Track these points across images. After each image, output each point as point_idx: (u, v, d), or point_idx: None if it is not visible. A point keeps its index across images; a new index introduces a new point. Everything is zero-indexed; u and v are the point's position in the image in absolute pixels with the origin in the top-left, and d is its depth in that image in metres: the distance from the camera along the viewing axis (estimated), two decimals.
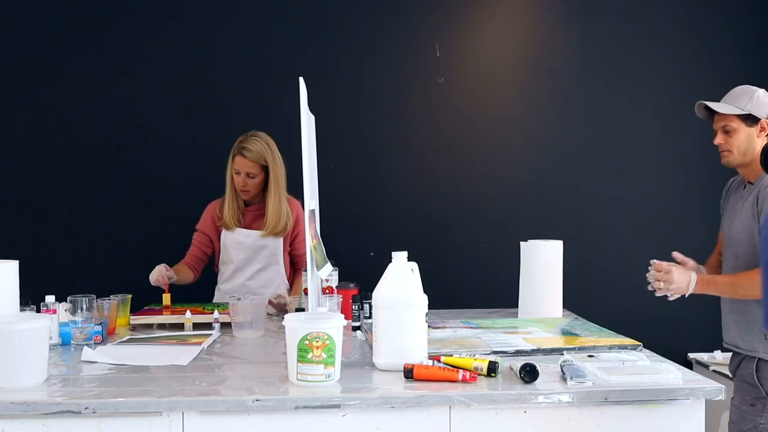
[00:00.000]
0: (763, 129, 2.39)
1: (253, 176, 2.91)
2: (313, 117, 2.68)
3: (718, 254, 2.59)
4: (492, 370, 1.85)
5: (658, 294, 2.36)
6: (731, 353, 2.45)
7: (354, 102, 3.50)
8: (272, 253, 2.98)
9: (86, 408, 1.68)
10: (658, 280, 2.34)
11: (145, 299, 2.83)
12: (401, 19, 3.51)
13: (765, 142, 2.36)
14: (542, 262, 2.72)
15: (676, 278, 2.31)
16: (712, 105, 2.44)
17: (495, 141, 3.55)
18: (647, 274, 2.37)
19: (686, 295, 2.35)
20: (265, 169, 2.91)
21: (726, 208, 2.54)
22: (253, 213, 3.00)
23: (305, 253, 3.00)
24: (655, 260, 2.38)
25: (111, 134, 3.44)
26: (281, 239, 2.97)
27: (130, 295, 2.67)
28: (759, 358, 2.30)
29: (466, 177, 3.54)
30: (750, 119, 2.39)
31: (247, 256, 2.96)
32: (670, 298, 2.36)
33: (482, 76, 3.56)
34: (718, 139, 2.45)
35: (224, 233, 2.99)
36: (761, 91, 2.42)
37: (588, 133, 3.56)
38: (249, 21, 3.46)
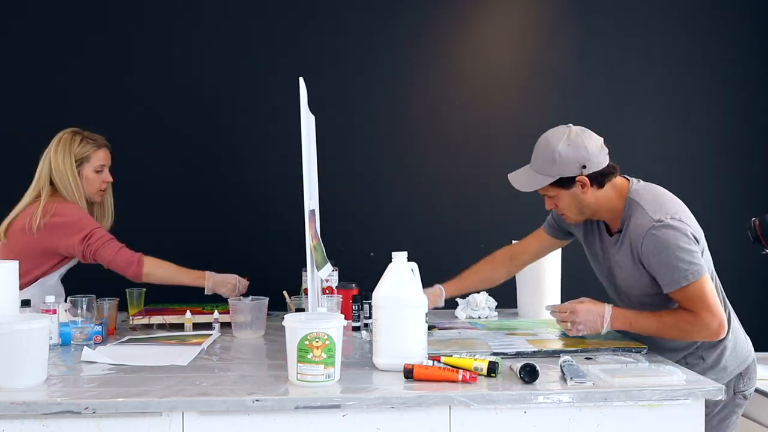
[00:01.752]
0: (584, 185, 2.08)
1: (109, 168, 2.72)
2: (313, 117, 2.68)
3: (523, 250, 2.50)
4: (492, 370, 1.85)
5: (572, 335, 2.17)
6: None
7: (354, 102, 3.50)
8: None
9: (86, 408, 1.68)
10: (564, 322, 2.15)
11: (145, 299, 2.82)
12: (401, 19, 3.51)
13: (594, 193, 2.10)
14: (540, 263, 2.73)
15: (582, 318, 2.11)
16: (515, 183, 2.18)
17: (495, 141, 3.55)
18: (553, 316, 2.21)
19: (602, 333, 2.13)
20: None
21: (593, 251, 2.29)
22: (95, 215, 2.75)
23: None
24: (552, 305, 2.23)
25: (110, 134, 3.43)
26: None
27: (144, 289, 2.69)
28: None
29: (466, 177, 3.54)
30: (564, 182, 2.08)
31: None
32: (574, 334, 2.16)
33: (482, 76, 3.55)
34: (548, 206, 2.19)
35: None
36: (562, 143, 2.06)
37: None
38: (249, 21, 3.46)
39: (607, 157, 2.12)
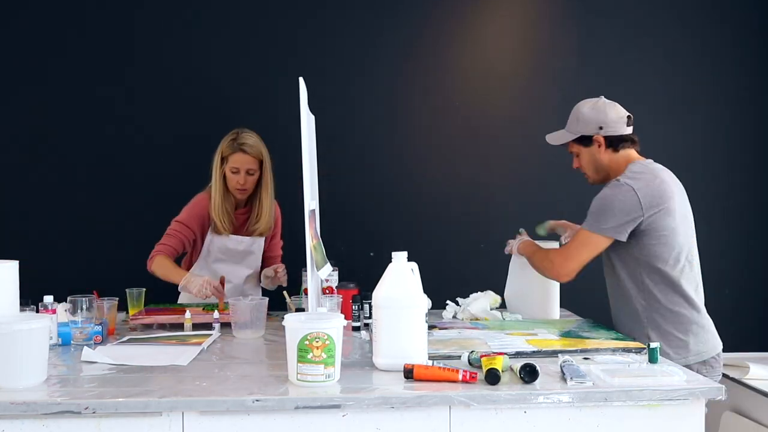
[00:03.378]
0: (599, 144, 2.41)
1: (252, 173, 2.83)
2: (313, 117, 2.68)
3: None
4: (492, 382, 1.82)
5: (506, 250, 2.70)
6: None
7: (354, 102, 3.50)
8: (256, 257, 2.95)
9: (86, 408, 1.68)
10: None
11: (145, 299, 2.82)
12: (401, 19, 3.51)
13: (609, 154, 2.41)
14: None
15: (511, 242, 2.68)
16: (548, 138, 2.51)
17: (495, 141, 3.55)
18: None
19: (511, 251, 2.67)
20: (260, 165, 2.84)
21: None
22: (242, 216, 2.92)
23: (277, 255, 3.01)
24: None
25: (110, 134, 3.44)
26: (263, 241, 2.94)
27: (145, 289, 2.69)
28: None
29: (466, 177, 3.54)
30: (584, 140, 2.42)
31: (235, 262, 2.91)
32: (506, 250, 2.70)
33: (482, 76, 3.56)
34: (574, 164, 2.51)
35: (212, 237, 2.86)
36: (587, 106, 2.42)
37: None
38: (249, 21, 3.46)
39: (628, 129, 2.42)
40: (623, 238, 2.29)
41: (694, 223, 2.44)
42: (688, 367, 2.14)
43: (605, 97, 2.48)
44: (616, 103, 2.44)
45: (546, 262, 2.44)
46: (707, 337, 2.35)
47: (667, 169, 2.43)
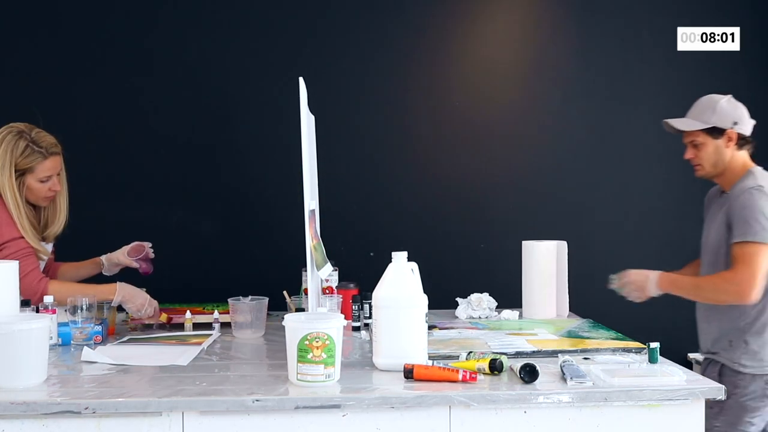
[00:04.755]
0: (730, 139, 2.41)
1: (59, 172, 2.48)
2: (313, 117, 2.68)
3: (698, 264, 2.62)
4: (494, 368, 1.85)
5: (631, 298, 2.47)
6: (704, 359, 2.52)
7: (354, 102, 3.50)
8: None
9: (86, 408, 1.68)
10: (620, 286, 2.48)
11: None
12: (401, 19, 3.51)
13: (733, 151, 2.41)
14: (544, 262, 2.72)
15: (633, 277, 2.43)
16: (675, 123, 2.47)
17: (495, 141, 3.55)
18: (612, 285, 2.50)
19: (651, 295, 2.43)
20: None
21: (707, 217, 2.58)
22: (37, 221, 2.51)
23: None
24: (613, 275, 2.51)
25: (111, 133, 3.43)
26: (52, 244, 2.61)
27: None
28: (722, 364, 2.38)
29: (466, 177, 3.54)
30: (715, 131, 2.41)
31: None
32: (636, 300, 2.47)
33: (482, 76, 3.55)
34: (688, 154, 2.48)
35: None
36: (724, 100, 2.43)
37: (588, 132, 3.56)
38: (249, 21, 3.46)
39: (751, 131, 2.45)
40: None
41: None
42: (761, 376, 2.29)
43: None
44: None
45: (726, 286, 2.28)
46: None
47: None
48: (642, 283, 2.42)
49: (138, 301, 2.48)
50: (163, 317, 2.58)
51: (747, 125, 2.42)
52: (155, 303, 2.54)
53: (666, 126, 2.52)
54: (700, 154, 2.44)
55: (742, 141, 2.42)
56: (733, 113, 2.40)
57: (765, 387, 2.32)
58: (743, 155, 2.44)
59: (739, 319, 2.35)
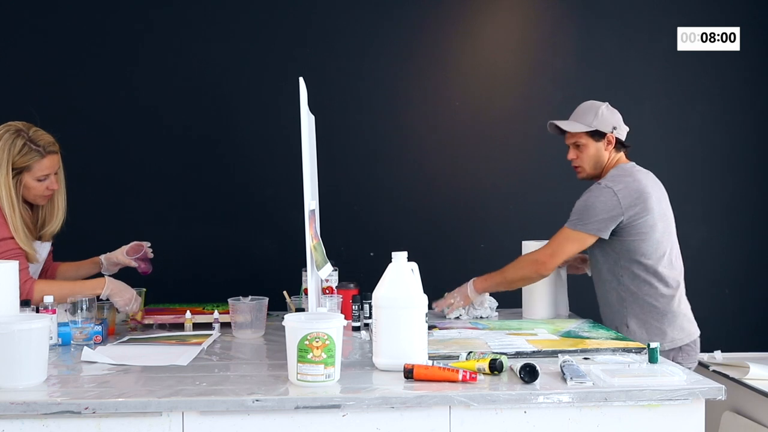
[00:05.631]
0: (609, 142, 2.61)
1: (56, 170, 2.48)
2: (313, 117, 2.68)
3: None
4: (494, 368, 1.85)
5: (448, 314, 2.71)
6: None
7: (354, 102, 3.50)
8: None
9: (86, 408, 1.68)
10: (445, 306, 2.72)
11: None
12: (401, 19, 3.51)
13: (611, 153, 2.62)
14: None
15: (455, 291, 2.71)
16: (561, 124, 2.65)
17: (495, 141, 3.55)
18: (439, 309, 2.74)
19: (470, 296, 2.70)
20: None
21: None
22: (34, 220, 2.54)
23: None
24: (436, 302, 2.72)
25: (112, 133, 3.43)
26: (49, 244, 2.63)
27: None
28: None
29: (466, 177, 3.54)
30: (597, 134, 2.60)
31: (35, 270, 2.52)
32: (461, 306, 2.71)
33: (482, 76, 3.55)
34: (571, 155, 2.67)
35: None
36: (605, 106, 2.63)
37: None
38: (249, 21, 3.45)
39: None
40: (606, 235, 2.50)
41: (685, 222, 2.64)
42: (663, 353, 2.32)
43: (607, 97, 2.64)
44: None
45: (530, 263, 2.60)
46: (684, 324, 2.54)
47: (648, 171, 2.65)
48: (462, 290, 2.70)
49: (126, 295, 2.49)
50: (139, 315, 2.57)
51: (623, 130, 2.64)
52: (140, 300, 2.57)
53: (550, 127, 2.69)
54: (582, 156, 2.64)
55: (620, 145, 2.63)
56: (611, 118, 2.61)
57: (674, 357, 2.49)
58: (619, 158, 2.65)
59: (611, 309, 2.59)
